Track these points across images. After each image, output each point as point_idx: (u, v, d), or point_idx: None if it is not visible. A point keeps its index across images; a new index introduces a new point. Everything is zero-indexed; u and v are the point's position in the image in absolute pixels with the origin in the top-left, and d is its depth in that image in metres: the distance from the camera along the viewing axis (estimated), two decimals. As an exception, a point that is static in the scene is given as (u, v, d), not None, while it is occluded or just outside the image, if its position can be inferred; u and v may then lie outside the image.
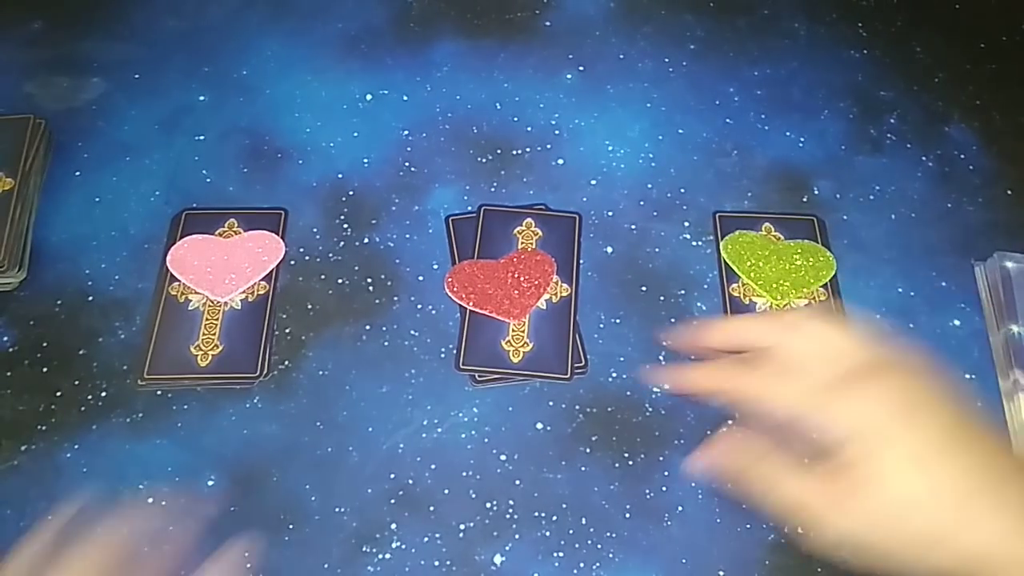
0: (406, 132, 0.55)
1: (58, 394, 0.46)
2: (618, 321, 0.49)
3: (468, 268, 0.49)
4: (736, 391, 0.37)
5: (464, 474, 0.44)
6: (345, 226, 0.52)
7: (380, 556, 0.42)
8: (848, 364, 0.35)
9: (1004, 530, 0.32)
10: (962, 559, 0.33)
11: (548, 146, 0.55)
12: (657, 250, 0.51)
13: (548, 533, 0.43)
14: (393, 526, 0.43)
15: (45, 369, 0.47)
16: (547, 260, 0.50)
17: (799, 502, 0.35)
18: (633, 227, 0.52)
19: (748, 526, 0.43)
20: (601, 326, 0.49)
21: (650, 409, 0.46)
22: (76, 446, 0.44)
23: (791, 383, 0.36)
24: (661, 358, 0.48)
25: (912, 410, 0.34)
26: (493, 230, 0.51)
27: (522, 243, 0.51)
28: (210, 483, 0.44)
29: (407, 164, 0.54)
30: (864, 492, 0.34)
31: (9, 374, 0.47)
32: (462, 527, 0.43)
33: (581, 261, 0.50)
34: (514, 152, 0.55)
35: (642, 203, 0.53)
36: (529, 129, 0.56)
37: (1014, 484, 0.33)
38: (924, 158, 0.56)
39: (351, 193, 0.53)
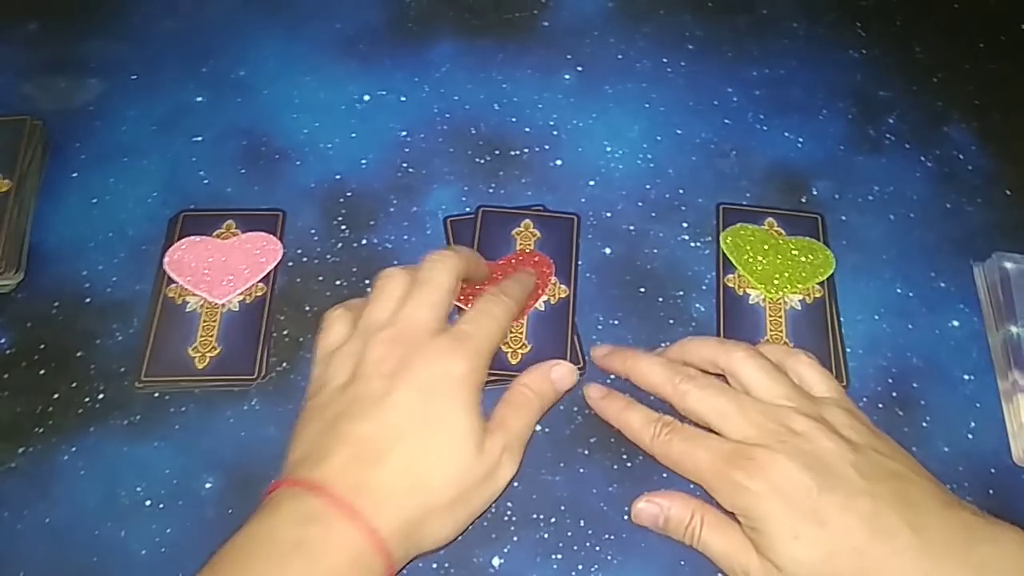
0: (404, 133, 0.55)
1: (55, 396, 0.46)
2: (616, 322, 0.49)
3: None
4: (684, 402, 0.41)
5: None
6: (343, 227, 0.52)
7: (378, 558, 0.42)
8: (765, 423, 0.39)
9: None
10: None
11: (546, 147, 0.55)
12: (656, 251, 0.51)
13: (546, 535, 0.43)
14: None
15: (42, 371, 0.47)
16: (545, 262, 0.49)
17: (723, 558, 0.39)
18: (631, 228, 0.52)
19: (747, 528, 0.43)
20: (599, 327, 0.49)
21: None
22: (74, 448, 0.44)
23: (705, 448, 0.39)
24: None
25: (821, 460, 0.37)
26: (491, 231, 0.51)
27: (520, 244, 0.51)
28: (208, 485, 0.44)
29: (405, 165, 0.54)
30: (786, 536, 0.36)
31: (6, 376, 0.47)
32: (460, 529, 0.43)
33: (579, 262, 0.50)
34: (512, 153, 0.55)
35: (640, 204, 0.53)
36: (527, 130, 0.56)
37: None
38: (923, 158, 0.55)
39: (349, 194, 0.53)
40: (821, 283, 0.49)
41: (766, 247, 0.50)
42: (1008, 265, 0.49)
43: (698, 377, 0.42)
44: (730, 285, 0.50)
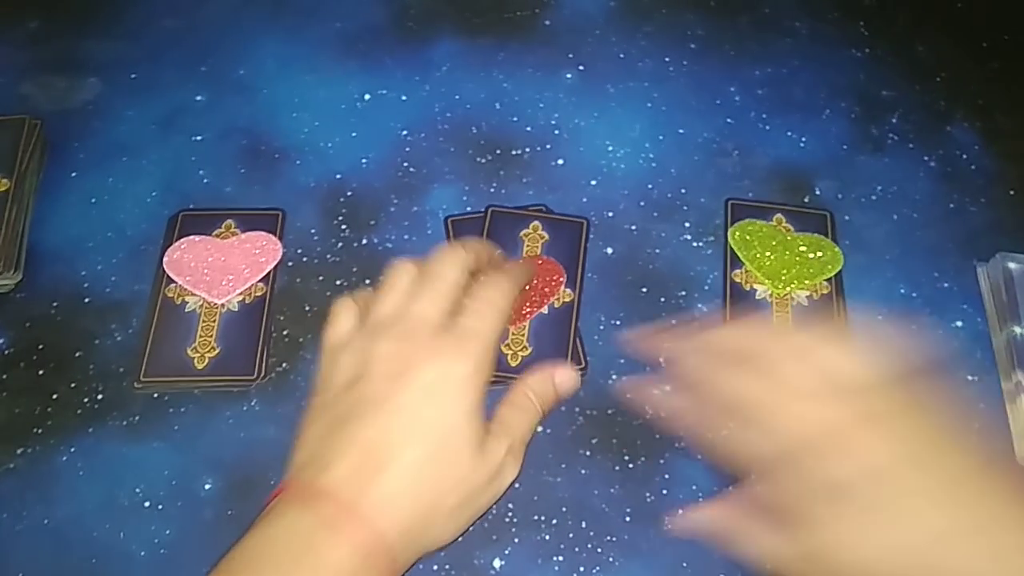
0: (405, 132, 0.55)
1: (54, 397, 0.46)
2: (618, 323, 0.49)
3: None
4: (743, 398, 0.37)
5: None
6: (343, 227, 0.52)
7: (378, 560, 0.42)
8: (858, 400, 0.35)
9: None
10: None
11: (548, 146, 0.55)
12: (658, 251, 0.51)
13: (548, 537, 0.42)
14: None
15: (41, 372, 0.47)
16: (557, 270, 0.49)
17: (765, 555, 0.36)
18: (633, 228, 0.52)
19: (749, 530, 0.42)
20: (601, 328, 0.48)
21: (650, 412, 0.46)
22: (73, 449, 0.44)
23: (801, 409, 0.36)
24: (661, 360, 0.47)
25: (923, 451, 0.34)
26: (499, 232, 0.51)
27: (528, 246, 0.50)
28: (207, 486, 0.43)
29: (406, 164, 0.54)
30: (878, 532, 0.34)
31: (5, 377, 0.46)
32: (461, 531, 0.42)
33: (585, 266, 0.50)
34: (514, 152, 0.54)
35: (642, 203, 0.53)
36: (529, 129, 0.55)
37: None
38: (926, 158, 0.55)
39: (349, 194, 0.53)
40: (828, 279, 0.49)
41: (774, 243, 0.50)
42: (1012, 266, 0.49)
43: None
44: (737, 280, 0.49)
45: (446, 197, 0.53)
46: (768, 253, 0.50)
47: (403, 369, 0.37)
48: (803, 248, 0.50)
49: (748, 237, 0.50)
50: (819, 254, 0.50)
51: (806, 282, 0.49)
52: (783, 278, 0.49)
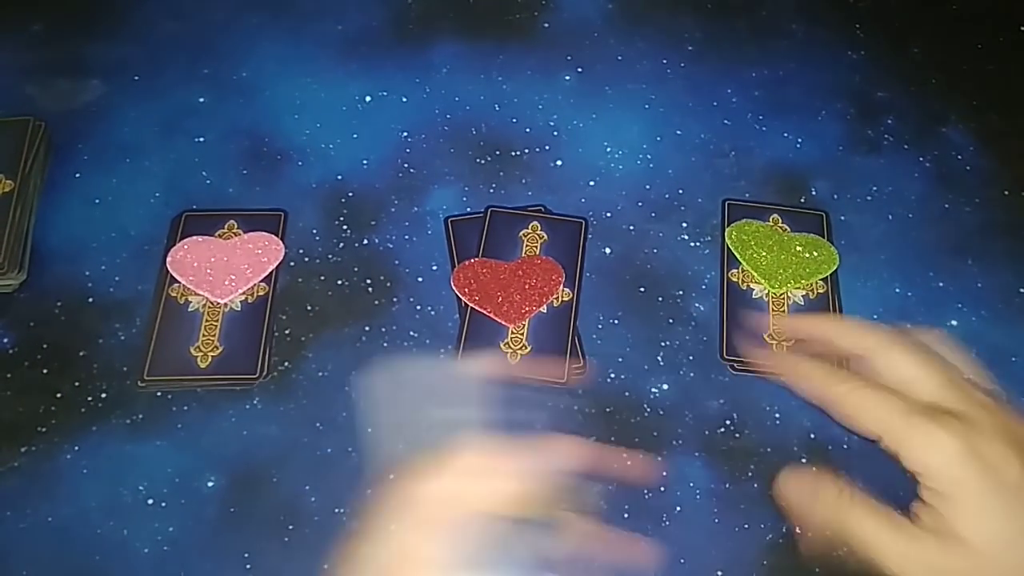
0: (405, 134, 0.56)
1: (58, 395, 0.46)
2: (616, 322, 0.49)
3: (477, 266, 0.50)
4: (830, 394, 0.37)
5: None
6: (344, 227, 0.52)
7: (380, 556, 0.42)
8: (936, 396, 0.35)
9: None
10: None
11: (547, 147, 0.55)
12: (655, 251, 0.52)
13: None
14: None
15: (45, 371, 0.47)
16: (556, 269, 0.50)
17: (877, 540, 0.35)
18: (631, 228, 0.52)
19: (746, 526, 0.43)
20: (600, 327, 0.49)
21: (648, 410, 0.46)
22: (76, 447, 0.45)
23: (884, 401, 0.35)
24: (659, 358, 0.48)
25: (994, 454, 0.33)
26: (499, 232, 0.51)
27: (527, 246, 0.51)
28: (210, 484, 0.44)
29: (406, 165, 0.54)
30: (944, 535, 0.33)
31: (9, 376, 0.47)
32: (461, 527, 0.43)
33: (584, 266, 0.51)
34: (513, 153, 0.55)
35: (640, 204, 0.53)
36: (528, 130, 0.56)
37: None
38: (921, 159, 0.56)
39: (350, 195, 0.53)
40: (824, 279, 0.50)
41: (770, 242, 0.51)
42: None
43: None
44: (734, 279, 0.50)
45: (446, 198, 0.53)
46: (764, 253, 0.50)
47: None
48: (799, 248, 0.51)
49: (745, 237, 0.51)
50: (815, 254, 0.50)
51: (802, 281, 0.49)
52: (780, 277, 0.49)
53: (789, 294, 0.49)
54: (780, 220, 0.52)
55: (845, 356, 0.39)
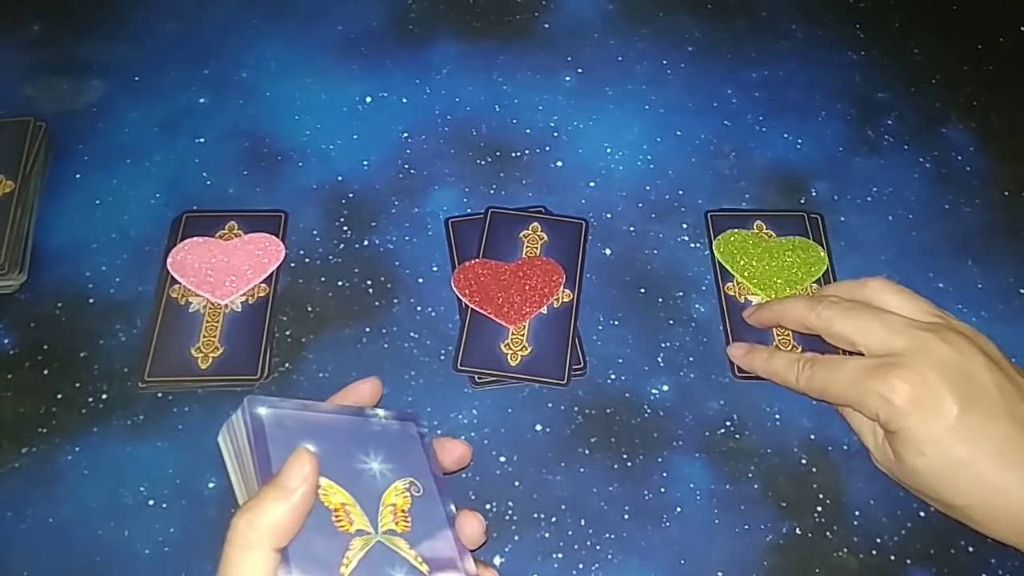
0: (405, 135, 0.56)
1: (59, 396, 0.46)
2: (616, 323, 0.49)
3: (477, 267, 0.50)
4: (824, 323, 0.42)
5: (463, 476, 0.44)
6: (345, 228, 0.52)
7: (380, 557, 0.42)
8: (893, 339, 0.39)
9: None
10: (1000, 517, 0.36)
11: (547, 148, 0.55)
12: (655, 252, 0.52)
13: (547, 534, 0.43)
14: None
15: (46, 371, 0.47)
16: (556, 270, 0.50)
17: (860, 433, 0.40)
18: (632, 229, 0.52)
19: (747, 527, 0.43)
20: (600, 328, 0.49)
21: (649, 411, 0.46)
22: (77, 448, 0.45)
23: (842, 366, 0.40)
24: (660, 359, 0.48)
25: (951, 380, 0.37)
26: (499, 233, 0.51)
27: (528, 247, 0.51)
28: (211, 485, 0.44)
29: (406, 166, 0.54)
30: (903, 454, 0.37)
31: (9, 376, 0.47)
32: (462, 528, 0.43)
33: (584, 267, 0.51)
34: (513, 154, 0.55)
35: (640, 205, 0.53)
36: (528, 131, 0.56)
37: None
38: (921, 159, 0.56)
39: (351, 195, 0.53)
40: (817, 281, 0.50)
41: (759, 251, 0.51)
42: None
43: (840, 302, 0.42)
44: (731, 293, 0.50)
45: (446, 199, 0.53)
46: (755, 262, 0.50)
47: None
48: (787, 253, 0.51)
49: (732, 249, 0.51)
50: (803, 256, 0.50)
51: (797, 287, 0.49)
52: (774, 286, 0.49)
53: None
54: (764, 226, 0.52)
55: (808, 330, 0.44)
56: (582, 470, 0.45)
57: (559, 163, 0.55)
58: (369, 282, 0.50)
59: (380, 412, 0.38)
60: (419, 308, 0.49)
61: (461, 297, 0.49)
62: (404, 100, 0.57)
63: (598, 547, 0.43)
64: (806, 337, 0.46)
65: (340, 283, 0.50)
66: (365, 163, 0.54)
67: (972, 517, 0.38)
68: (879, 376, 0.38)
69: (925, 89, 0.59)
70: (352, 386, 0.40)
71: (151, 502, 0.43)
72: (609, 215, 0.53)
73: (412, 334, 0.48)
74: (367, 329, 0.48)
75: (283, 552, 0.31)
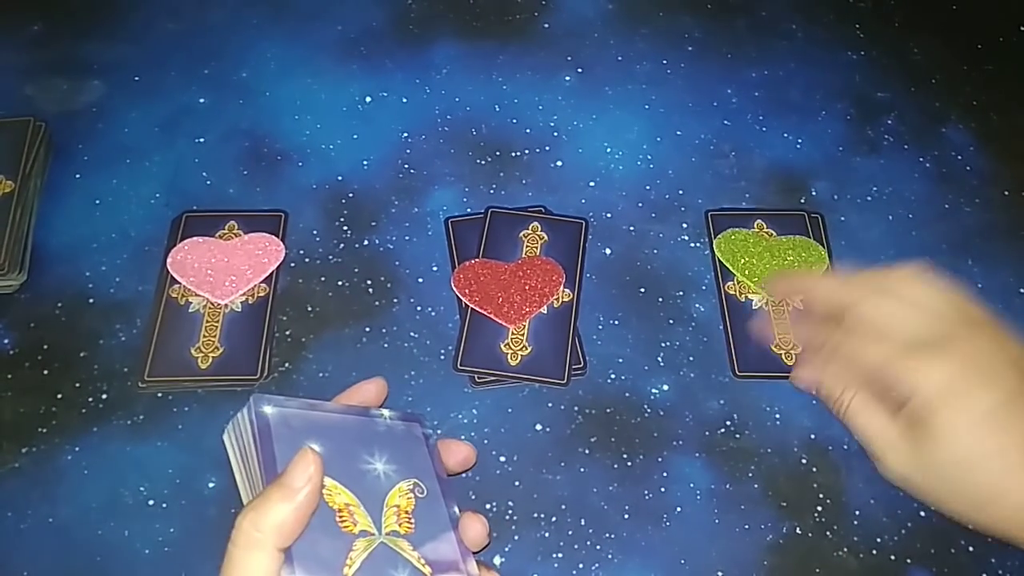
0: (405, 134, 0.56)
1: (59, 396, 0.46)
2: (617, 323, 0.49)
3: (477, 267, 0.50)
4: (831, 353, 0.39)
5: (463, 475, 0.44)
6: (345, 228, 0.52)
7: (380, 557, 0.42)
8: (933, 324, 0.37)
9: None
10: (1011, 519, 0.35)
11: (547, 148, 0.55)
12: (655, 251, 0.52)
13: (547, 534, 0.43)
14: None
15: (46, 371, 0.47)
16: (556, 270, 0.50)
17: (867, 435, 0.38)
18: (631, 228, 0.52)
19: (747, 527, 0.43)
20: (600, 327, 0.49)
21: (648, 410, 0.46)
22: (77, 448, 0.45)
23: (879, 343, 0.38)
24: (660, 359, 0.48)
25: (987, 370, 0.36)
26: (499, 233, 0.51)
27: (527, 246, 0.51)
28: (211, 485, 0.44)
29: (406, 166, 0.54)
30: (929, 444, 0.36)
31: (10, 376, 0.47)
32: (462, 528, 0.43)
33: (584, 266, 0.51)
34: (513, 154, 0.55)
35: (640, 204, 0.53)
36: (528, 131, 0.56)
37: None
38: (921, 159, 0.56)
39: (351, 195, 0.53)
40: (819, 281, 0.50)
41: (759, 249, 0.51)
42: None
43: (869, 283, 0.40)
44: (731, 292, 0.50)
45: (446, 198, 0.53)
46: (755, 261, 0.50)
47: None
48: (788, 251, 0.51)
49: (733, 248, 0.51)
50: (804, 255, 0.50)
51: None
52: None
53: (788, 300, 0.49)
54: (765, 225, 0.52)
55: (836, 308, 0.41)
56: (582, 470, 0.45)
57: (559, 163, 0.55)
58: (369, 282, 0.50)
59: (385, 412, 0.38)
60: (419, 308, 0.49)
61: (461, 297, 0.49)
62: (404, 100, 0.57)
63: (598, 547, 0.43)
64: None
65: (340, 283, 0.50)
66: (365, 163, 0.54)
67: (985, 512, 0.37)
68: (919, 356, 0.37)
69: (925, 89, 0.59)
70: (357, 386, 0.40)
71: (151, 502, 0.43)
72: (609, 215, 0.53)
73: (412, 334, 0.48)
74: (367, 329, 0.48)
75: (287, 552, 0.31)
